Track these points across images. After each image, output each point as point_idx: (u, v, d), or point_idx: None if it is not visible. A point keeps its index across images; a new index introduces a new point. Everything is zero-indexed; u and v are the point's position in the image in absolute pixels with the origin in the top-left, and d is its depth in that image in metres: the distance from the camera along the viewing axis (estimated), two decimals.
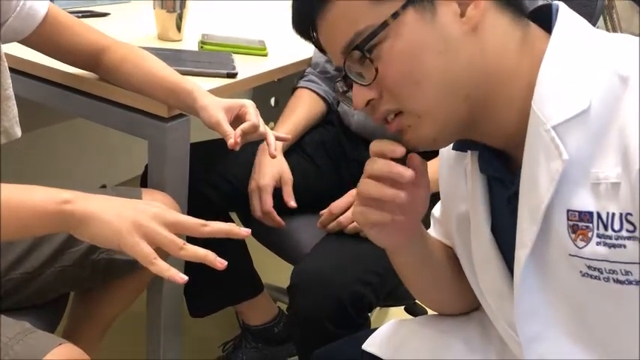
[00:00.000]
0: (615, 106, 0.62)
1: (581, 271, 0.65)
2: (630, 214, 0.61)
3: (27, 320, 0.92)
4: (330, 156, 1.47)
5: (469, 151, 0.77)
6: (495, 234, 0.76)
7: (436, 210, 0.91)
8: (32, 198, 0.78)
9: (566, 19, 0.68)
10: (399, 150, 0.69)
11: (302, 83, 1.51)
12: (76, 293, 1.24)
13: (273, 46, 1.52)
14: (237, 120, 1.08)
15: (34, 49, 1.11)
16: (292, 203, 1.32)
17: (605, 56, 0.64)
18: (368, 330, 0.97)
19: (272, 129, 1.32)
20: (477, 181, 0.76)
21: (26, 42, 1.08)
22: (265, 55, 1.48)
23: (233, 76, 1.30)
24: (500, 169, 0.73)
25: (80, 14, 1.54)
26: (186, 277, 0.75)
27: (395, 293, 1.27)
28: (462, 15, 0.66)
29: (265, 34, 1.57)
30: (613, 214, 0.62)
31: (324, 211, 1.27)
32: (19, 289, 1.04)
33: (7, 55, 1.02)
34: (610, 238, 0.62)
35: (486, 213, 0.76)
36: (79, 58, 1.15)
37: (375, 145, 0.72)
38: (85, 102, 1.21)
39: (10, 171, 1.03)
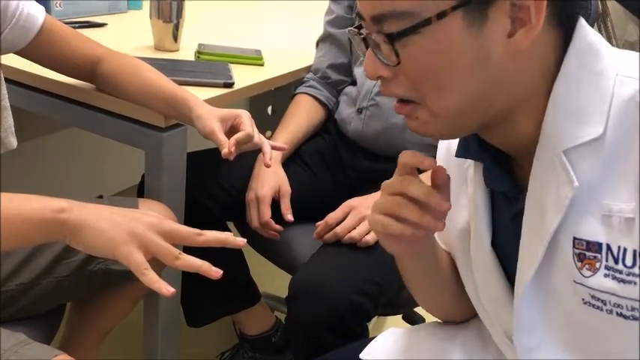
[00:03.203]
0: (632, 136, 0.59)
1: (583, 299, 0.64)
2: None
3: (23, 331, 0.91)
4: (327, 164, 1.47)
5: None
6: (496, 245, 0.75)
7: None
8: (28, 207, 0.78)
9: (584, 36, 0.64)
10: (428, 162, 0.67)
11: (302, 89, 1.51)
12: (73, 304, 1.24)
13: (269, 55, 1.52)
14: (232, 130, 1.07)
15: (30, 60, 1.11)
16: (289, 217, 1.31)
17: (624, 80, 0.61)
18: (366, 339, 0.97)
19: (270, 137, 1.33)
20: (479, 190, 0.75)
21: (22, 53, 1.08)
22: (262, 65, 1.49)
23: (230, 85, 1.30)
24: (507, 184, 0.71)
25: (77, 25, 1.54)
26: (173, 290, 0.75)
27: (393, 302, 1.27)
28: (510, 35, 0.60)
29: (262, 44, 1.58)
30: (625, 249, 0.60)
31: (320, 222, 1.27)
32: (15, 301, 1.03)
33: (2, 65, 1.02)
34: (620, 272, 0.61)
35: (487, 225, 0.75)
36: (75, 69, 1.15)
37: (404, 157, 0.68)
38: (81, 112, 1.21)
39: (5, 181, 1.03)
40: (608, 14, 1.87)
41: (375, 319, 1.49)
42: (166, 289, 0.75)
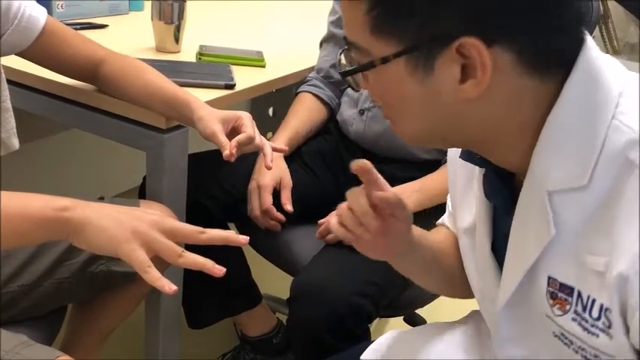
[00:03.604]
0: (617, 192, 0.58)
1: (554, 332, 0.66)
2: (609, 310, 0.59)
3: (24, 333, 0.91)
4: (328, 165, 1.47)
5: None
6: (496, 249, 0.75)
7: (449, 202, 0.90)
8: (30, 205, 0.78)
9: (585, 72, 0.61)
10: (363, 205, 0.69)
11: (305, 87, 1.51)
12: (74, 305, 1.24)
13: (270, 57, 1.52)
14: (233, 132, 1.07)
15: (32, 61, 1.11)
16: (289, 207, 1.31)
17: (618, 126, 0.59)
18: (367, 342, 0.97)
19: (270, 139, 1.33)
20: (482, 195, 0.74)
21: (23, 54, 1.08)
22: (263, 66, 1.49)
23: (231, 87, 1.30)
24: (499, 197, 0.71)
25: (79, 26, 1.54)
26: (175, 287, 0.75)
27: (394, 304, 1.27)
28: (462, 82, 0.60)
29: (263, 45, 1.58)
30: (594, 300, 0.61)
31: (323, 221, 1.27)
32: (16, 302, 1.03)
33: (4, 67, 1.02)
34: (586, 321, 0.62)
35: (488, 230, 0.75)
36: (76, 70, 1.15)
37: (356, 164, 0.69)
38: (82, 113, 1.21)
39: (6, 183, 1.03)
40: (609, 16, 1.87)
41: (376, 321, 1.50)
42: (169, 286, 0.75)
